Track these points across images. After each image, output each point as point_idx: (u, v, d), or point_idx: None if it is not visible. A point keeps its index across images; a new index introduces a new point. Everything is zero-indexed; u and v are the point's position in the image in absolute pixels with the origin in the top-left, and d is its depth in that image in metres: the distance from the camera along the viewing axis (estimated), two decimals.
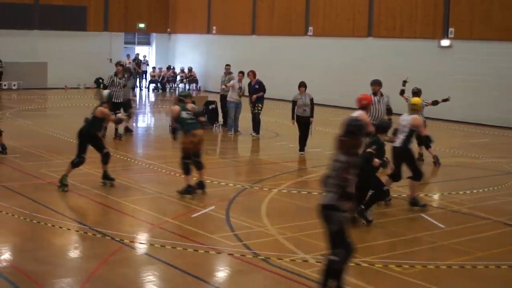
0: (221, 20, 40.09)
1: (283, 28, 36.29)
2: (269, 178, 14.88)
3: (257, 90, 22.05)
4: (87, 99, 30.99)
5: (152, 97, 38.93)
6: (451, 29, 29.30)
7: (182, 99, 13.73)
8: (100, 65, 39.24)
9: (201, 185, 13.50)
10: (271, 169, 16.10)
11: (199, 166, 13.46)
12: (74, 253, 10.10)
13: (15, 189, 13.53)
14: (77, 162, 13.59)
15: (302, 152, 18.43)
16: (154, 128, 25.76)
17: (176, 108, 13.54)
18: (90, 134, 13.71)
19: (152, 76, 42.03)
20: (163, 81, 41.69)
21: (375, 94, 15.68)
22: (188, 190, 13.16)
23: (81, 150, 13.57)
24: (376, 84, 15.95)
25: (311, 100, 18.41)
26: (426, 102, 17.56)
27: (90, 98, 31.05)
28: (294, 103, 18.45)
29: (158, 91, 41.26)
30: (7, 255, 9.83)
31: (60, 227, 11.03)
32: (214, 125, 23.29)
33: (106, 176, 14.00)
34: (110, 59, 39.86)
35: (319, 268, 9.29)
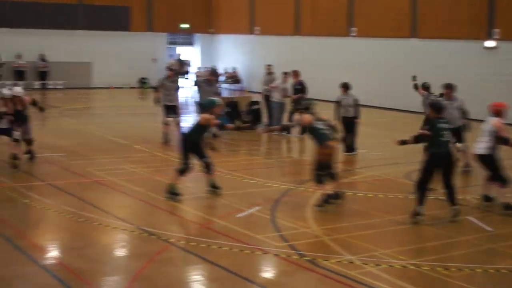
0: (264, 20, 40.10)
1: (326, 29, 36.19)
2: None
3: (299, 91, 22.04)
4: (132, 99, 31.25)
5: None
6: (496, 30, 28.95)
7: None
8: (144, 65, 39.61)
9: (337, 196, 12.76)
10: None
11: (334, 177, 12.85)
12: (121, 252, 10.18)
13: (62, 188, 13.68)
14: (183, 169, 13.15)
15: (350, 153, 18.36)
16: None
17: (308, 117, 12.99)
18: (194, 142, 13.26)
19: (198, 77, 42.07)
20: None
21: (448, 98, 15.97)
22: (326, 200, 12.50)
23: (186, 157, 13.14)
24: (448, 88, 16.18)
25: (355, 100, 18.35)
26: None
27: (135, 97, 31.34)
28: (337, 103, 18.43)
29: None
30: (55, 253, 9.95)
31: (106, 226, 11.13)
32: (258, 125, 23.30)
33: (213, 185, 13.53)
34: (155, 59, 40.21)
35: (365, 269, 9.26)
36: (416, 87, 18.09)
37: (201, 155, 13.26)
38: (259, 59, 38.25)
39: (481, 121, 13.78)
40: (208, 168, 13.35)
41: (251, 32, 41.13)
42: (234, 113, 23.45)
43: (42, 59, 37.66)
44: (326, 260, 9.57)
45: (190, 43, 44.64)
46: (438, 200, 12.89)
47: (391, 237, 11.11)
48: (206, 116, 13.21)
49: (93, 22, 39.36)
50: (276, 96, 22.32)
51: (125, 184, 14.02)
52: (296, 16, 37.97)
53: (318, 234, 10.97)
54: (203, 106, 14.28)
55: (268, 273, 9.47)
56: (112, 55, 39.56)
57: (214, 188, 13.49)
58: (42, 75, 37.84)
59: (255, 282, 8.88)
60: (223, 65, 42.47)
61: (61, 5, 38.53)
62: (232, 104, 23.79)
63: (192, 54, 44.48)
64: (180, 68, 40.99)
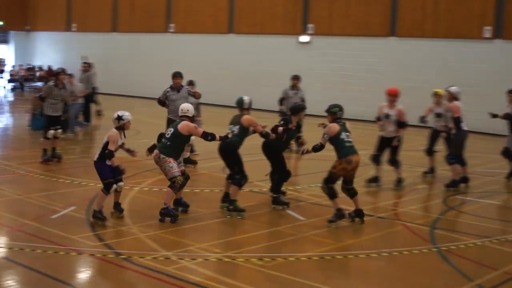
0: (82, 17, 39.40)
1: (145, 25, 36.05)
2: (130, 177, 14.72)
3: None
4: None
5: (11, 96, 37.67)
6: (310, 26, 29.99)
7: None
8: None
9: (359, 213, 12.03)
10: (132, 167, 15.90)
11: (352, 194, 12.03)
12: None
13: None
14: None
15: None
16: (13, 127, 24.94)
17: (336, 126, 11.81)
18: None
19: (12, 75, 40.69)
20: (22, 80, 40.45)
21: (294, 88, 19.35)
22: (339, 215, 11.79)
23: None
24: (294, 79, 19.42)
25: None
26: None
27: None
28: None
29: (17, 90, 39.99)
30: None
31: None
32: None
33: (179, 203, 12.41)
34: None
35: (181, 264, 9.32)
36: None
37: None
38: (76, 57, 37.50)
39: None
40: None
41: (68, 29, 40.26)
42: None
43: None
44: (142, 258, 9.54)
45: (4, 41, 43.05)
46: (252, 192, 13.16)
47: (207, 231, 11.22)
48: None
49: None
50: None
51: None
52: (114, 13, 37.56)
53: (134, 232, 10.90)
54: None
55: (83, 274, 9.29)
56: None
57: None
58: None
59: (70, 283, 8.68)
60: (38, 63, 41.31)
61: None
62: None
63: (6, 52, 42.93)
64: None
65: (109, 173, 11.37)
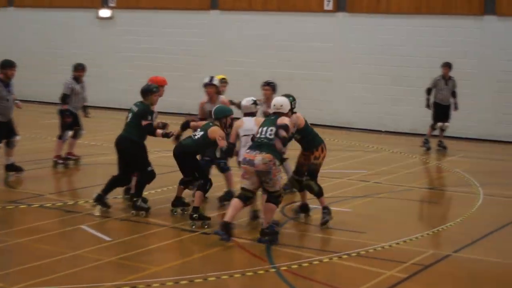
0: None
1: None
2: None
3: None
4: None
5: None
6: None
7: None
8: None
9: (306, 208, 13.53)
10: None
11: (302, 187, 13.13)
12: None
13: None
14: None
15: None
16: None
17: (300, 117, 12.85)
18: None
19: None
20: None
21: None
22: (329, 212, 12.98)
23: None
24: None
25: None
26: None
27: None
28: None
29: None
30: None
31: None
32: None
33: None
34: None
35: None
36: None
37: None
38: None
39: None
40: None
41: None
42: None
43: None
44: None
45: None
46: (44, 208, 12.73)
47: None
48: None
49: None
50: None
51: None
52: None
53: None
54: None
55: None
56: None
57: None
58: None
59: None
60: None
61: None
62: None
63: None
64: None
65: None
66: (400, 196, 15.66)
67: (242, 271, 10.31)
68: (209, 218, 12.54)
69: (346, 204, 14.68)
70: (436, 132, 21.65)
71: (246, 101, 13.00)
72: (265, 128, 11.70)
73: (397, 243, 11.90)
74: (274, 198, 11.54)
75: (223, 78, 15.39)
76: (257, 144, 11.58)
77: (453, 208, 15.19)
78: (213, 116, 12.77)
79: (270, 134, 11.59)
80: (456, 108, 21.61)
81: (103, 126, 23.71)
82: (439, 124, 21.58)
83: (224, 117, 12.70)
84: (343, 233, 12.70)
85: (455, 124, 21.96)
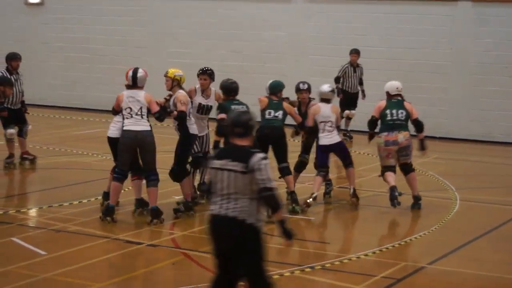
0: None
1: None
2: None
3: None
4: None
5: None
6: None
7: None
8: None
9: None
10: None
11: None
12: None
13: None
14: None
15: None
16: None
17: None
18: None
19: None
20: None
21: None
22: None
23: None
24: None
25: None
26: None
27: None
28: None
29: None
30: None
31: None
32: None
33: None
34: None
35: None
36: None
37: None
38: None
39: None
40: None
41: None
42: None
43: None
44: None
45: None
46: None
47: None
48: None
49: None
50: None
51: None
52: None
53: None
54: None
55: None
56: None
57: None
58: None
59: None
60: None
61: None
62: None
63: None
64: None
65: None
66: (368, 203, 15.71)
67: (196, 286, 10.29)
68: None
69: (307, 211, 14.71)
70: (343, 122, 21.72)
71: (325, 88, 15.09)
72: (394, 111, 14.79)
73: (366, 255, 11.99)
74: None
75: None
76: (393, 125, 14.71)
77: (427, 215, 15.15)
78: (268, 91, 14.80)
79: (401, 116, 14.78)
80: (364, 96, 22.86)
81: (39, 125, 23.06)
82: (346, 112, 22.52)
83: (279, 92, 14.85)
84: (304, 244, 12.81)
85: (426, 122, 21.98)
